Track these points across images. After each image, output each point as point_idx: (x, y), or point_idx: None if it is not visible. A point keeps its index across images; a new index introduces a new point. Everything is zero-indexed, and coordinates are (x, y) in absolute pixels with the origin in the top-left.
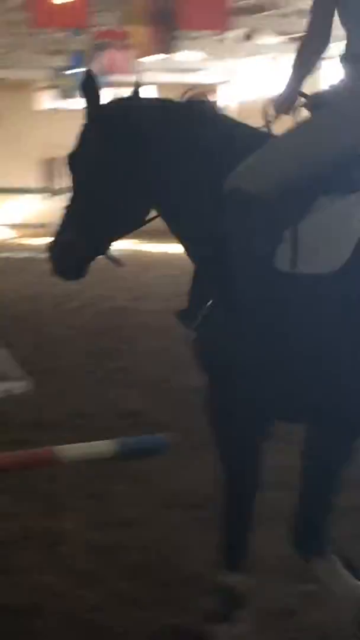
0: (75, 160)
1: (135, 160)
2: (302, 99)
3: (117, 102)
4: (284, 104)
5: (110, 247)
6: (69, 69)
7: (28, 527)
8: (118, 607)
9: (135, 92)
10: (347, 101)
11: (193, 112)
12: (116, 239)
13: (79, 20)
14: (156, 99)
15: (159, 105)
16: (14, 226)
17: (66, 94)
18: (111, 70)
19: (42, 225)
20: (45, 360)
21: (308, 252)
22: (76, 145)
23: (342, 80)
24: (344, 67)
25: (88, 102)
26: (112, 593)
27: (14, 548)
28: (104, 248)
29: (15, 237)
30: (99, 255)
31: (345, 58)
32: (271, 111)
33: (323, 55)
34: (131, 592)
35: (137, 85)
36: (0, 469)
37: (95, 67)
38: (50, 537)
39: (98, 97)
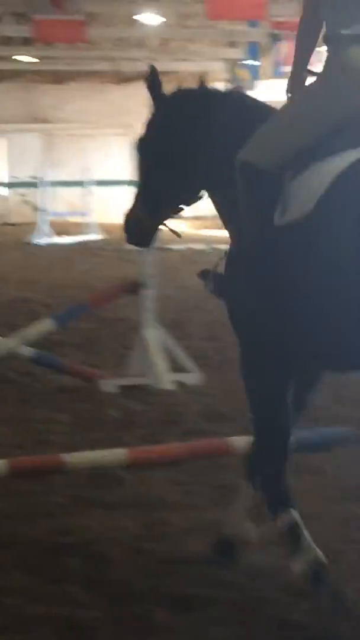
0: (141, 144)
1: (183, 143)
2: (312, 76)
3: (175, 93)
4: (296, 83)
5: (170, 219)
6: (244, 60)
7: (200, 518)
8: (290, 599)
9: (201, 84)
10: (329, 77)
11: (230, 101)
12: (174, 213)
13: (257, 12)
14: (210, 90)
15: (208, 95)
16: (190, 218)
17: (242, 86)
18: (287, 62)
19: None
20: (217, 352)
21: (292, 204)
22: (143, 131)
23: (326, 59)
24: (327, 47)
25: (151, 93)
26: (283, 585)
27: (185, 539)
28: (164, 219)
29: (191, 229)
30: (160, 225)
31: (325, 40)
32: (288, 92)
33: (320, 34)
34: (303, 585)
35: (203, 78)
36: (174, 459)
37: (271, 58)
38: (221, 528)
39: (160, 89)
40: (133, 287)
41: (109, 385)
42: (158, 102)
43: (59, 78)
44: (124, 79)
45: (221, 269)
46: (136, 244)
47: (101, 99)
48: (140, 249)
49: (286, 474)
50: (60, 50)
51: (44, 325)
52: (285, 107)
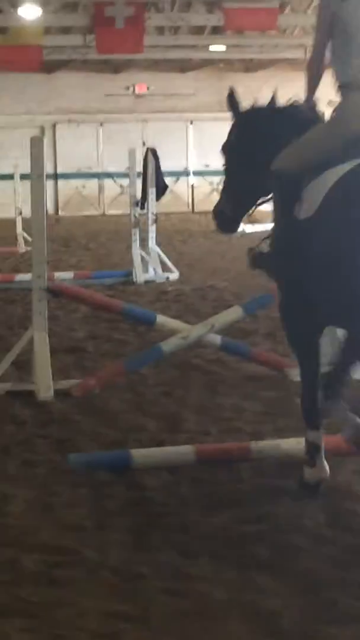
0: (225, 149)
1: (254, 150)
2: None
3: (250, 110)
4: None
5: (249, 211)
6: None
7: None
8: None
9: (272, 99)
10: (339, 114)
11: (294, 116)
12: (252, 206)
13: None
14: (276, 107)
15: (275, 111)
16: None
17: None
18: None
19: None
20: None
21: (307, 202)
22: (226, 138)
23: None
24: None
25: (231, 109)
26: None
27: None
28: (245, 212)
29: None
30: (242, 216)
31: (336, 88)
32: None
33: (324, 68)
34: None
35: (274, 94)
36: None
37: None
38: None
39: (238, 105)
40: None
41: (298, 373)
42: (236, 117)
43: (249, 66)
44: None
45: (262, 248)
46: (222, 231)
47: (291, 87)
48: (226, 235)
49: (317, 399)
50: (251, 39)
51: (233, 314)
52: (312, 130)
